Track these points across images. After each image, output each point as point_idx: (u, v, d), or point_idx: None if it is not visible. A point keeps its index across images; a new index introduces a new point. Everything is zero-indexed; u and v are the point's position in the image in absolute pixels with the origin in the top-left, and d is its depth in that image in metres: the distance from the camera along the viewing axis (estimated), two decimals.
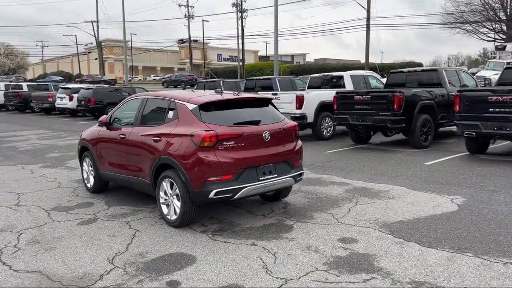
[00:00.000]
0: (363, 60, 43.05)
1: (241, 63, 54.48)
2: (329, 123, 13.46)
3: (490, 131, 9.02)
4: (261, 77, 18.65)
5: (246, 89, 17.52)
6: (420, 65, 46.24)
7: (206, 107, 5.49)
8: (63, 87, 27.58)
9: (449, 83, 12.26)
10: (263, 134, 5.48)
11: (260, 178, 5.43)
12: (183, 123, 5.50)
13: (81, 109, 24.71)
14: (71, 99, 25.72)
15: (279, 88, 16.44)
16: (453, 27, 48.95)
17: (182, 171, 5.26)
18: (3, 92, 30.75)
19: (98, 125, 7.17)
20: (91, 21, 68.15)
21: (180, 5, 61.47)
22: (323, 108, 13.20)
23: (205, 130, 5.20)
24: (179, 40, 63.05)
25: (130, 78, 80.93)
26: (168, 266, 4.35)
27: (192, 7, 66.19)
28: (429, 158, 9.67)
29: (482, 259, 4.29)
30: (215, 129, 5.22)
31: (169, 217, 5.60)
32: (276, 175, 5.60)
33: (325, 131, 13.58)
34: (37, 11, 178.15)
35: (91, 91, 24.33)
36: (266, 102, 6.14)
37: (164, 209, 5.68)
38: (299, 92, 13.30)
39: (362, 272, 4.07)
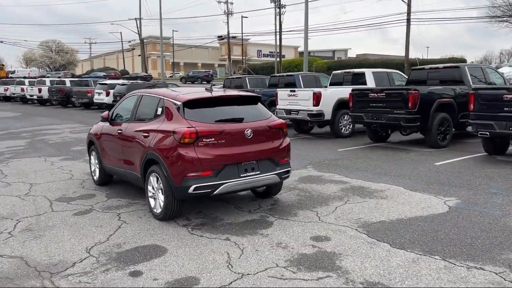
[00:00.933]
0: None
1: (278, 59, 54.38)
2: (348, 121, 13.29)
3: (505, 131, 8.66)
4: (284, 74, 18.63)
5: (270, 86, 17.57)
6: (463, 61, 44.54)
7: (190, 104, 5.65)
8: (101, 83, 28.62)
9: (474, 80, 11.80)
10: (245, 132, 5.57)
11: (242, 175, 5.53)
12: (168, 119, 5.69)
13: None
14: (107, 94, 26.67)
15: (301, 85, 16.38)
16: (500, 21, 46.64)
17: (164, 166, 5.45)
18: (47, 87, 32.29)
19: (101, 121, 7.51)
20: (135, 19, 70.31)
21: (219, 2, 62.10)
22: (342, 105, 13.05)
23: (187, 127, 5.36)
24: (218, 37, 63.78)
25: (171, 74, 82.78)
26: (138, 257, 4.55)
27: (232, 3, 66.60)
28: (441, 158, 9.40)
29: (448, 262, 4.20)
30: (196, 126, 5.37)
31: (155, 210, 5.81)
32: (259, 172, 5.68)
33: (343, 128, 13.43)
34: (87, 9, 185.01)
35: (125, 86, 25.18)
36: (254, 100, 6.22)
37: (152, 202, 5.90)
38: (316, 89, 13.22)
39: (320, 270, 4.10)
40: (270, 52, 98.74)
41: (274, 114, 6.71)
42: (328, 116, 13.06)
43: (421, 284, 3.78)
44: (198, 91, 6.16)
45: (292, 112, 13.71)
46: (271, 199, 6.65)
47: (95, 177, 7.92)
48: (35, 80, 37.58)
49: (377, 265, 4.18)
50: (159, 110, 5.96)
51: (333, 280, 3.89)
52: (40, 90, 32.71)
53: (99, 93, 27.62)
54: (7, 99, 37.59)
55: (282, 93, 14.09)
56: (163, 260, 4.43)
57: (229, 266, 4.25)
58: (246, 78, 19.46)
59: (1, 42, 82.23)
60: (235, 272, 4.10)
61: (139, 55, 79.47)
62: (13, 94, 35.91)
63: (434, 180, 7.48)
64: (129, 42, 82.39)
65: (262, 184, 5.86)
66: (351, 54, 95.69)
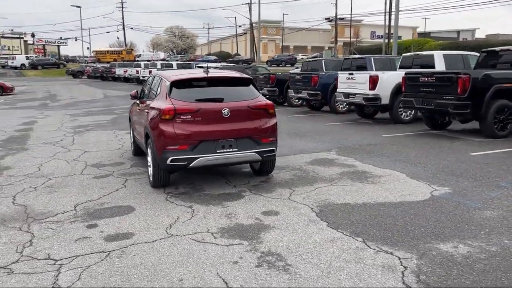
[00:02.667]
0: None
1: (387, 41, 51.98)
2: None
3: None
4: (356, 56, 18.13)
5: (344, 69, 17.30)
6: None
7: (176, 84, 6.24)
8: (199, 66, 30.62)
9: None
10: (222, 111, 6.00)
11: (218, 151, 6.00)
12: (160, 98, 6.37)
13: None
14: None
15: (373, 68, 15.89)
16: None
17: (151, 139, 6.16)
18: (155, 70, 35.48)
19: (131, 99, 8.49)
20: (248, 3, 72.61)
21: None
22: (401, 90, 12.51)
23: (168, 105, 5.98)
24: (325, 19, 62.93)
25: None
26: (107, 214, 5.33)
27: None
28: (484, 149, 8.72)
29: (364, 244, 4.24)
30: (176, 104, 5.96)
31: (150, 178, 6.58)
32: (236, 150, 6.08)
33: (404, 114, 12.90)
34: None
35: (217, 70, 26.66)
36: (244, 81, 6.59)
37: (149, 171, 6.67)
38: (373, 73, 12.85)
39: (238, 238, 4.44)
40: (387, 33, 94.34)
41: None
42: (385, 100, 12.65)
43: (314, 259, 3.93)
44: (190, 73, 6.72)
45: (350, 96, 13.53)
46: (266, 176, 6.98)
47: (132, 149, 9.00)
48: (149, 63, 41.43)
49: (294, 239, 4.38)
50: (158, 89, 6.67)
51: (239, 247, 4.22)
52: (150, 72, 36.08)
53: None
54: (126, 80, 42.12)
55: (342, 76, 13.94)
56: (122, 218, 5.15)
57: (167, 228, 4.80)
58: (323, 61, 19.34)
59: (131, 28, 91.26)
60: (167, 233, 4.65)
61: (253, 39, 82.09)
62: (130, 75, 40.15)
63: (448, 170, 7.08)
64: (239, 26, 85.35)
65: (240, 161, 6.24)
66: (480, 34, 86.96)
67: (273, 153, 6.43)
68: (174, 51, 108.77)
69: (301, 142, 9.98)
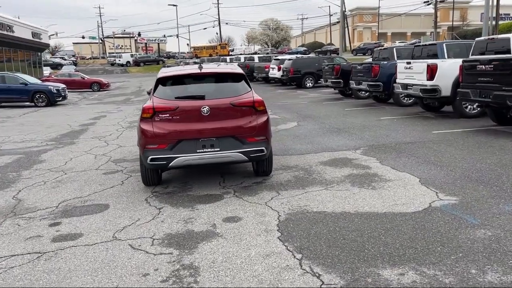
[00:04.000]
0: None
1: (493, 23, 46.78)
2: None
3: None
4: (427, 43, 16.41)
5: (414, 57, 15.85)
6: None
7: (162, 81, 6.11)
8: (275, 58, 30.43)
9: None
10: (201, 109, 5.73)
11: (198, 151, 5.76)
12: (150, 96, 6.29)
13: (284, 79, 27.03)
14: (279, 69, 28.28)
15: (445, 56, 14.30)
16: None
17: (138, 137, 6.13)
18: (237, 64, 36.07)
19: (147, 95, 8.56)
20: None
21: None
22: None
23: (149, 103, 5.88)
24: (424, 2, 58.58)
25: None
26: (80, 211, 5.39)
27: None
28: None
29: (298, 262, 3.72)
30: (157, 102, 5.84)
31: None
32: (218, 149, 5.79)
33: (469, 107, 11.41)
34: None
35: (291, 62, 26.27)
36: (235, 77, 6.24)
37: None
38: (431, 61, 11.51)
39: (173, 247, 4.18)
40: (503, 14, 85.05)
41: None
42: (446, 92, 11.29)
43: (228, 277, 3.53)
44: (181, 70, 6.53)
45: (408, 87, 12.33)
46: (263, 177, 6.57)
47: None
48: (233, 57, 42.26)
49: (228, 252, 4.00)
50: (153, 87, 6.60)
51: (165, 258, 3.96)
52: None
53: (273, 68, 29.52)
54: None
55: (400, 66, 12.76)
56: (88, 218, 5.17)
57: (118, 230, 4.70)
58: (394, 49, 17.91)
59: (226, 24, 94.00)
60: (112, 236, 4.55)
61: (345, 27, 79.78)
62: None
63: (475, 175, 6.06)
64: (331, 15, 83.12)
65: (223, 161, 5.92)
66: None
67: (262, 153, 6.00)
68: (269, 44, 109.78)
69: (333, 139, 9.30)
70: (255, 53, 72.30)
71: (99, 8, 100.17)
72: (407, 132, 9.71)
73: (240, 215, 4.98)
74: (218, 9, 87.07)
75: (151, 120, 5.80)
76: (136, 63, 64.93)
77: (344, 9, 58.00)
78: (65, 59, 68.68)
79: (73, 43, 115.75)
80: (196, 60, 52.50)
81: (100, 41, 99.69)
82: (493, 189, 5.44)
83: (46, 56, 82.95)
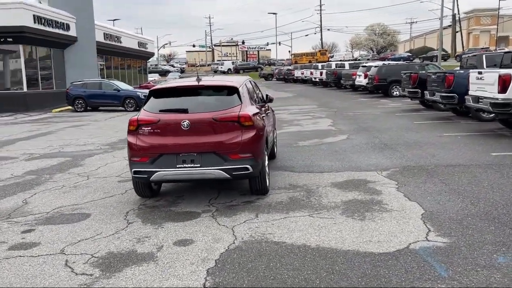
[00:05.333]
0: None
1: None
2: None
3: None
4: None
5: (504, 65, 13.94)
6: None
7: (154, 94, 6.05)
8: (363, 65, 29.11)
9: None
10: (182, 123, 5.55)
11: (178, 166, 5.59)
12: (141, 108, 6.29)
13: (369, 86, 25.75)
14: (365, 76, 27.02)
15: None
16: None
17: None
18: (325, 71, 35.34)
19: None
20: None
21: None
22: None
23: (136, 116, 5.87)
24: None
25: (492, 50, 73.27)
26: (58, 220, 5.53)
27: None
28: None
29: None
30: (141, 115, 5.80)
31: None
32: (199, 165, 5.56)
33: None
34: None
35: (376, 69, 24.92)
36: (227, 90, 5.96)
37: None
38: (504, 71, 9.94)
39: (99, 269, 4.06)
40: None
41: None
42: None
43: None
44: (176, 82, 6.40)
45: (479, 100, 10.82)
46: (258, 196, 6.17)
47: None
48: (325, 64, 41.48)
49: (146, 280, 3.76)
50: None
51: (82, 278, 3.85)
52: (321, 73, 36.12)
53: (359, 75, 28.31)
54: (304, 81, 43.08)
55: (472, 76, 11.25)
56: (60, 227, 5.27)
57: (72, 244, 4.71)
58: (483, 56, 15.98)
59: (328, 30, 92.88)
60: (60, 250, 4.56)
61: (457, 31, 74.07)
62: (306, 77, 40.94)
63: (496, 212, 5.03)
64: (445, 16, 77.33)
65: (203, 178, 5.66)
66: None
67: (246, 172, 5.62)
68: (374, 49, 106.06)
69: (370, 157, 8.48)
70: (356, 59, 70.32)
71: (209, 18, 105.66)
72: (460, 152, 8.48)
73: (195, 239, 4.69)
74: (321, 15, 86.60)
75: (136, 133, 5.77)
76: (236, 70, 67.15)
77: (456, 12, 53.78)
78: (174, 66, 73.61)
79: (186, 51, 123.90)
80: (290, 67, 52.61)
81: (209, 49, 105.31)
82: (505, 232, 4.43)
83: (161, 63, 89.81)
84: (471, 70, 11.75)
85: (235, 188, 6.62)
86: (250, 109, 5.92)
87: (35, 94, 25.31)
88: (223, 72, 69.42)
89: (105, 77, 32.41)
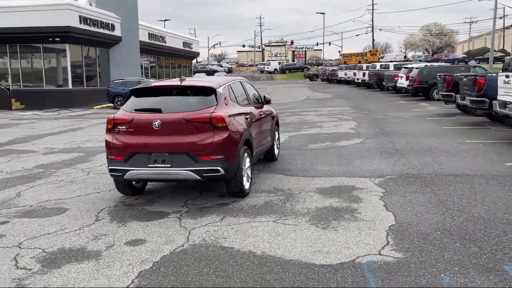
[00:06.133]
0: None
1: None
2: None
3: None
4: None
5: None
6: None
7: (134, 93, 6.11)
8: (405, 66, 28.01)
9: None
10: (153, 123, 5.55)
11: (150, 165, 5.60)
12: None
13: (410, 89, 24.77)
14: (407, 78, 26.01)
15: None
16: None
17: None
18: (368, 72, 34.40)
19: None
20: None
21: None
22: None
23: (113, 114, 5.95)
24: None
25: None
26: (36, 214, 5.71)
27: None
28: None
29: None
30: (118, 114, 5.87)
31: None
32: (169, 166, 5.55)
33: None
34: None
35: (417, 70, 23.93)
36: (204, 91, 5.91)
37: None
38: None
39: (41, 264, 4.14)
40: None
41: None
42: None
43: None
44: (159, 82, 6.41)
45: (506, 105, 10.07)
46: (237, 199, 6.06)
47: None
48: (365, 65, 40.39)
49: (72, 278, 3.79)
50: None
51: (20, 272, 3.93)
52: (364, 74, 35.20)
53: (401, 77, 27.30)
54: (348, 82, 42.15)
55: (500, 79, 10.48)
56: (33, 220, 5.42)
57: (32, 238, 4.83)
58: None
59: (380, 30, 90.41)
60: (18, 243, 4.69)
61: None
62: (349, 78, 40.06)
63: (472, 228, 4.63)
64: (504, 16, 73.01)
65: (173, 178, 5.64)
66: None
67: (217, 174, 5.54)
68: (430, 50, 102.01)
69: (373, 162, 8.12)
70: (407, 60, 67.92)
71: (260, 18, 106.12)
72: (472, 161, 7.91)
73: (149, 239, 4.68)
74: (372, 15, 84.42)
75: (113, 131, 5.85)
76: (282, 70, 67.04)
77: None
78: (222, 66, 74.61)
79: (237, 51, 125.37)
80: (334, 68, 51.71)
81: (258, 49, 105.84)
82: (468, 250, 4.05)
83: (211, 63, 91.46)
84: (499, 73, 10.96)
85: (217, 190, 6.55)
86: (227, 111, 5.83)
87: (79, 91, 26.55)
88: (269, 72, 69.48)
89: (149, 76, 33.41)
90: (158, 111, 5.72)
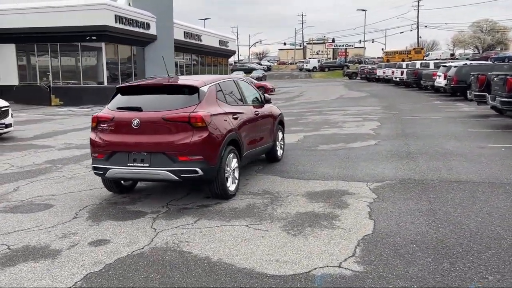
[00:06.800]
0: None
1: None
2: None
3: None
4: None
5: None
6: None
7: (120, 91, 6.07)
8: (444, 65, 26.81)
9: None
10: (132, 121, 5.49)
11: (129, 164, 5.55)
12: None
13: (447, 88, 23.70)
14: (445, 77, 24.90)
15: None
16: None
17: None
18: (406, 70, 33.22)
19: None
20: None
21: None
22: None
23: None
24: None
25: None
26: (29, 207, 5.80)
27: None
28: None
29: None
30: (102, 112, 5.85)
31: None
32: (148, 165, 5.47)
33: None
34: None
35: (455, 69, 22.84)
36: (187, 90, 5.78)
37: None
38: None
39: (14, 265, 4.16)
40: None
41: None
42: None
43: None
44: (144, 80, 6.35)
45: None
46: (220, 201, 5.91)
47: None
48: (405, 63, 39.02)
49: (11, 279, 3.77)
50: None
51: None
52: (402, 73, 34.04)
53: (439, 76, 26.18)
54: (387, 81, 40.91)
55: None
56: (14, 216, 5.47)
57: (3, 234, 4.90)
58: None
59: (425, 27, 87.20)
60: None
61: None
62: (386, 76, 38.87)
63: (455, 241, 4.24)
64: None
65: (152, 178, 5.57)
66: None
67: (195, 174, 5.41)
68: (480, 48, 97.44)
69: (377, 166, 7.73)
70: (453, 58, 65.12)
71: (302, 16, 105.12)
72: (486, 167, 7.35)
73: (113, 240, 4.61)
74: (418, 11, 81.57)
75: (96, 130, 5.85)
76: (322, 68, 66.14)
77: None
78: (261, 64, 74.59)
79: (279, 49, 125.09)
80: (374, 66, 50.33)
81: (299, 47, 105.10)
82: (438, 266, 3.70)
83: (251, 61, 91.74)
84: None
85: (205, 191, 6.40)
86: (209, 110, 5.68)
87: (114, 88, 27.21)
88: (308, 70, 68.76)
89: (184, 73, 33.83)
90: (139, 109, 5.65)
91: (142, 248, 4.35)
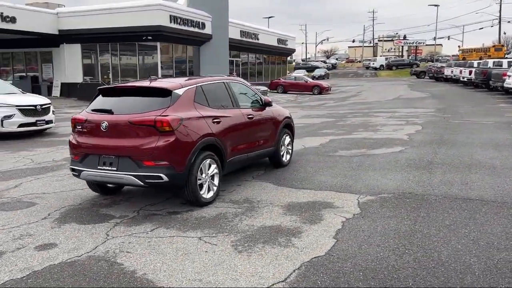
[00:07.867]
0: None
1: None
2: None
3: None
4: None
5: None
6: None
7: (101, 93, 6.03)
8: None
9: None
10: (101, 124, 5.41)
11: (99, 167, 5.49)
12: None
13: None
14: None
15: None
16: None
17: None
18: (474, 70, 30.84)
19: None
20: None
21: None
22: None
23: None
24: None
25: None
26: (14, 205, 5.95)
27: None
28: None
29: None
30: (79, 114, 5.85)
31: None
32: (115, 169, 5.37)
33: None
34: None
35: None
36: (160, 92, 5.59)
37: None
38: None
39: None
40: None
41: None
42: None
43: None
44: (124, 83, 6.22)
45: None
46: (193, 208, 5.68)
47: None
48: (476, 62, 36.17)
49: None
50: None
51: None
52: (470, 72, 31.64)
53: (509, 76, 23.98)
54: (455, 81, 38.25)
55: None
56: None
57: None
58: None
59: (508, 22, 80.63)
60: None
61: None
62: (454, 75, 36.33)
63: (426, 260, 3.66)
64: None
65: (118, 182, 5.44)
66: None
67: (159, 180, 5.22)
68: None
69: (383, 176, 7.09)
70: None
71: (373, 12, 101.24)
72: (511, 183, 6.45)
73: (60, 245, 4.53)
74: (500, 4, 75.53)
75: (74, 131, 5.87)
76: (389, 67, 63.47)
77: None
78: (325, 62, 73.20)
79: (348, 46, 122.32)
80: (443, 64, 47.24)
81: (369, 45, 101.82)
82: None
83: (318, 59, 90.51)
84: None
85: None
86: (181, 114, 5.45)
87: None
88: (375, 69, 66.31)
89: (240, 73, 34.01)
90: (110, 112, 5.57)
91: (80, 256, 4.23)
